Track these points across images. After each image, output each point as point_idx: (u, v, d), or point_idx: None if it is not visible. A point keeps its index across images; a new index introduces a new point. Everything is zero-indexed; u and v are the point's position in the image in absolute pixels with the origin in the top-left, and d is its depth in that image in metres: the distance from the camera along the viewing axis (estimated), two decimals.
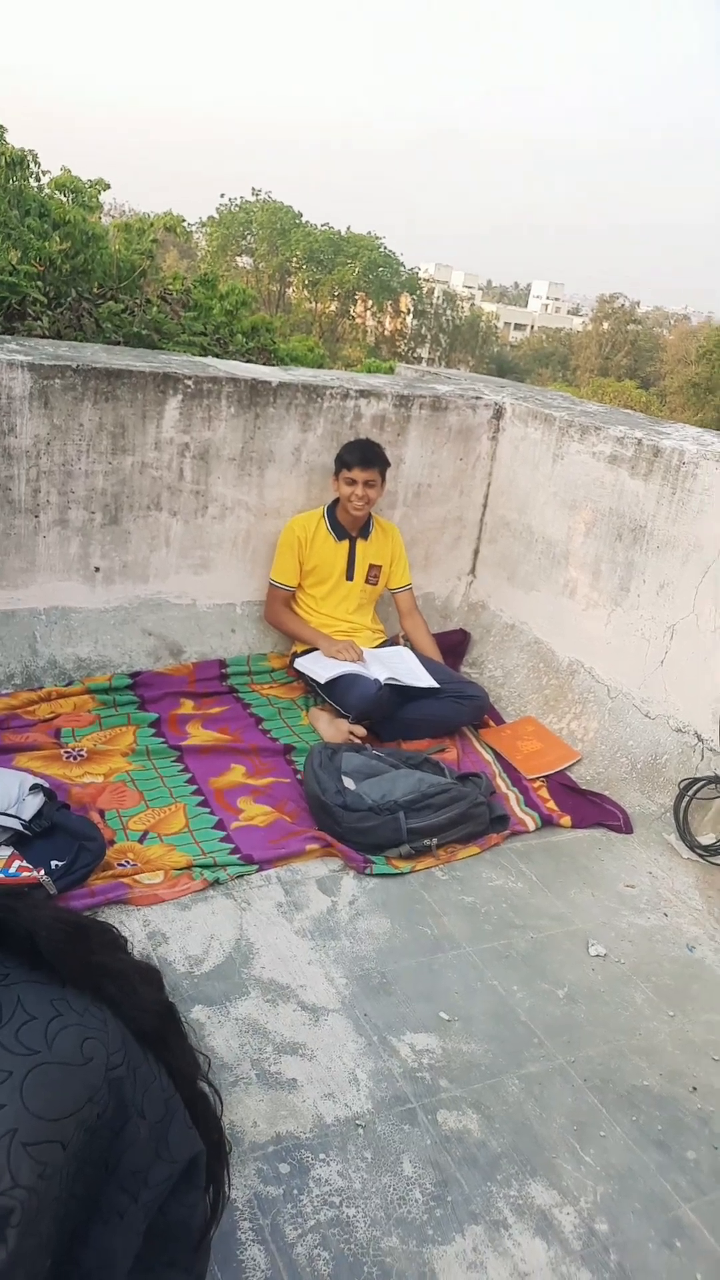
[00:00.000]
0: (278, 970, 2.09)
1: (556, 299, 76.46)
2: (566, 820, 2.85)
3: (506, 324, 61.40)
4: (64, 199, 7.09)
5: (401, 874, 2.49)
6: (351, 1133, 1.72)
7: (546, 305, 74.28)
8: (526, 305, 75.83)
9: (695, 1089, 1.95)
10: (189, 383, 3.10)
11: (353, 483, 3.22)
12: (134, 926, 2.15)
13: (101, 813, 2.54)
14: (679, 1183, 1.73)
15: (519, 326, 63.92)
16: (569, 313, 71.28)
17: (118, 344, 6.02)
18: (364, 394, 3.45)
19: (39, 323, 5.66)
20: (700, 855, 2.73)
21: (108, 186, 7.57)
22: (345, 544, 3.35)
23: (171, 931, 2.16)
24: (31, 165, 7.08)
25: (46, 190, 7.33)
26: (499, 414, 3.75)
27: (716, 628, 2.87)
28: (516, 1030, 2.03)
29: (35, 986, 1.02)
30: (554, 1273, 1.53)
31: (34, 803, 2.31)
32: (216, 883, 2.33)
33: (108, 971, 1.09)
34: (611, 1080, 1.94)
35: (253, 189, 40.46)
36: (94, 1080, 0.97)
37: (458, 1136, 1.75)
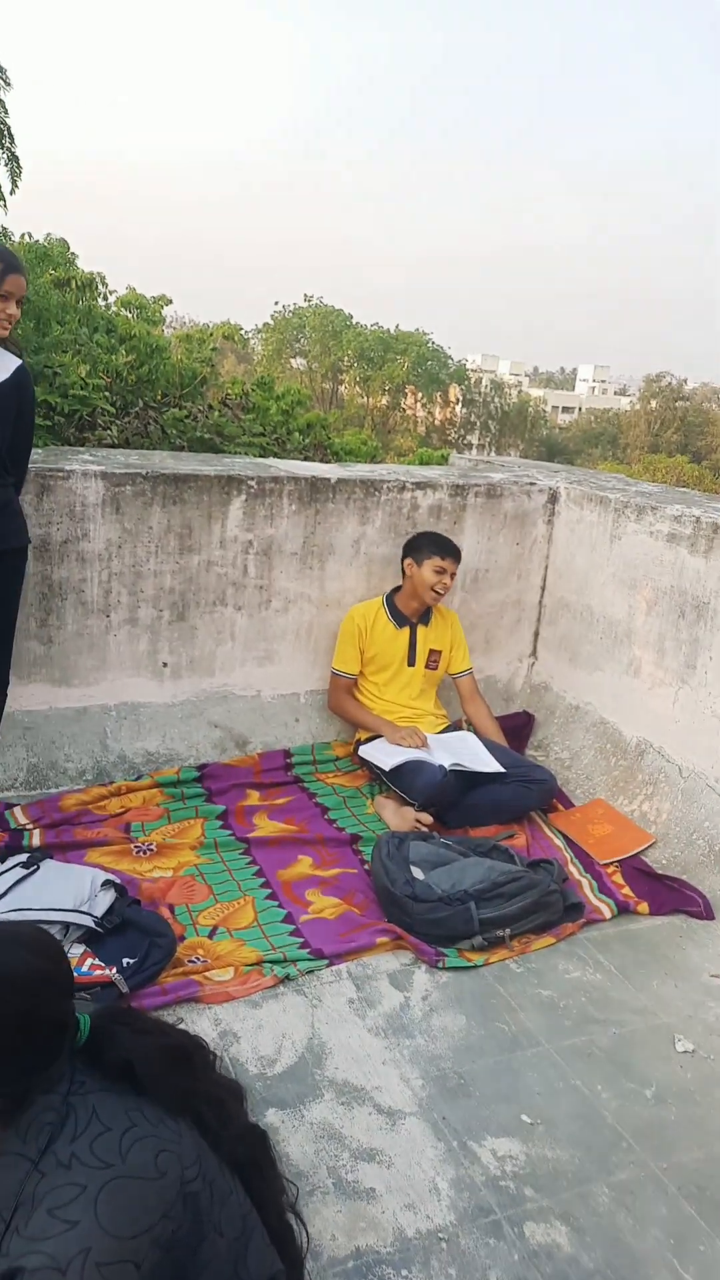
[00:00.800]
0: (351, 1071, 2.04)
1: (603, 381, 77.58)
2: (644, 907, 2.75)
3: (554, 408, 62.38)
4: (129, 315, 7.55)
5: (475, 966, 2.43)
6: (434, 1246, 1.65)
7: (593, 388, 75.38)
8: (574, 389, 77.07)
9: None
10: (252, 483, 3.23)
11: (442, 572, 3.30)
12: (204, 1025, 2.13)
13: (171, 908, 2.54)
14: None
15: (566, 409, 64.85)
16: (616, 393, 72.16)
17: (182, 448, 6.29)
18: (420, 485, 3.53)
19: (109, 432, 5.97)
20: None
21: (169, 301, 8.05)
22: (405, 631, 3.39)
23: (243, 1030, 2.13)
24: (100, 286, 7.59)
25: (113, 308, 7.82)
26: (554, 498, 3.79)
27: None
28: (603, 1134, 1.94)
29: (111, 1096, 1.01)
30: None
31: (105, 899, 2.33)
32: (287, 979, 2.31)
33: (205, 1099, 1.07)
34: (709, 1188, 1.83)
35: (305, 295, 42.41)
36: (169, 1195, 0.95)
37: (546, 1251, 1.66)
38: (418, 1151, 1.85)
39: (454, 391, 43.86)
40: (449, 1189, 1.77)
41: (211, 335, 8.71)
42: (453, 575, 3.34)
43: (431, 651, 3.43)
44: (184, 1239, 0.96)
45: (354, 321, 40.68)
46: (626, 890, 2.83)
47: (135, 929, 2.29)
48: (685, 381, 53.91)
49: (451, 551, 3.33)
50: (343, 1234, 1.65)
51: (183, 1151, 0.99)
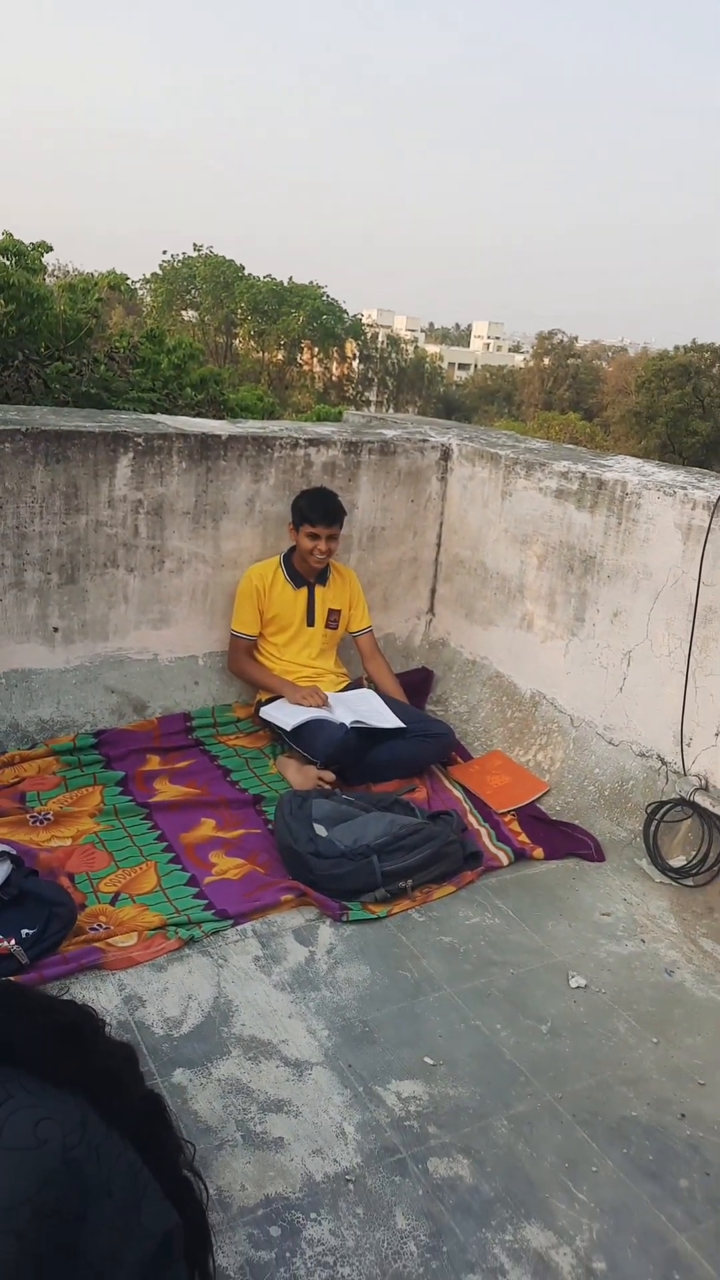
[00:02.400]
0: (258, 1026, 2.07)
1: (497, 338, 78.20)
2: (539, 852, 2.86)
3: (451, 364, 62.61)
4: (7, 262, 7.15)
5: (378, 918, 2.48)
6: (342, 1189, 1.69)
7: (488, 344, 75.92)
8: (469, 345, 77.47)
9: (683, 1115, 1.95)
10: (139, 440, 3.13)
11: (315, 537, 3.25)
12: (109, 991, 2.11)
13: (71, 876, 2.50)
14: (674, 1213, 1.72)
15: (463, 366, 65.19)
16: (510, 350, 72.93)
17: (66, 404, 6.05)
18: (313, 442, 3.50)
19: None
20: (672, 878, 2.76)
21: (50, 248, 7.65)
22: (304, 591, 3.37)
23: (148, 994, 2.12)
24: None
25: None
26: (446, 455, 3.82)
27: (670, 652, 2.93)
28: (502, 1070, 2.02)
29: None
30: None
31: (1, 871, 2.27)
32: (192, 940, 2.30)
33: (94, 1072, 1.06)
34: (600, 1113, 1.94)
35: (194, 244, 41.07)
36: (49, 1164, 0.94)
37: (449, 1184, 1.73)
38: (324, 1099, 1.89)
39: (351, 347, 43.46)
40: (355, 1133, 1.81)
41: (97, 285, 8.34)
42: (330, 538, 3.26)
43: (330, 611, 3.43)
44: (70, 1205, 0.96)
45: (246, 273, 39.69)
46: (523, 837, 2.93)
47: (33, 900, 2.24)
48: (576, 339, 54.90)
49: (323, 516, 3.24)
50: (252, 1184, 1.68)
51: (65, 1119, 0.98)
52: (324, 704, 3.21)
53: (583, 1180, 1.77)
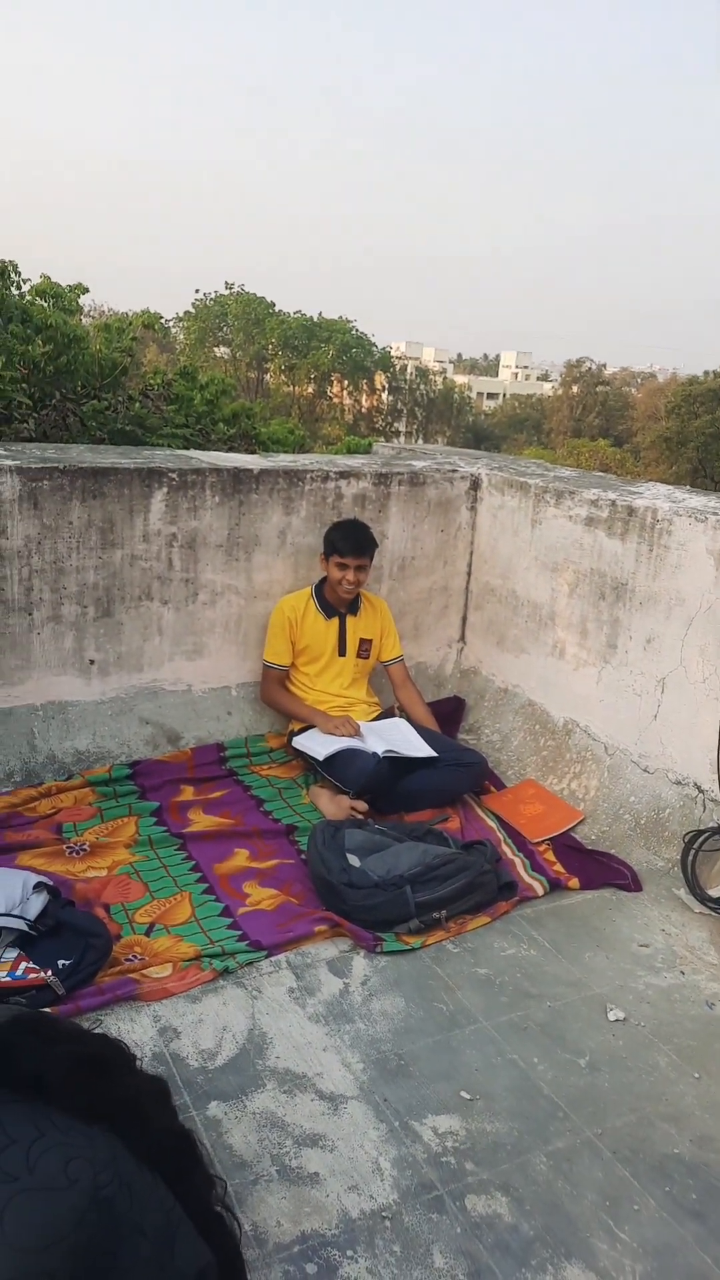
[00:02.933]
0: (293, 1059, 2.06)
1: (526, 367, 78.53)
2: (575, 882, 2.83)
3: (479, 394, 62.94)
4: (45, 304, 7.34)
5: (412, 949, 2.46)
6: (379, 1226, 1.67)
7: (516, 374, 76.26)
8: (497, 375, 77.89)
9: None
10: (173, 475, 3.19)
11: (344, 568, 3.28)
12: (144, 1022, 2.12)
13: (107, 907, 2.52)
14: (719, 1254, 1.68)
15: (491, 395, 65.50)
16: (539, 379, 73.13)
17: (102, 441, 6.16)
18: (343, 475, 3.54)
19: (25, 425, 5.80)
20: (711, 909, 2.71)
21: (86, 290, 7.85)
22: (335, 621, 3.40)
23: (183, 1025, 2.12)
24: (12, 275, 7.35)
25: (28, 297, 7.59)
26: (476, 485, 3.84)
27: (705, 678, 2.90)
28: (540, 1105, 1.99)
29: (17, 1107, 0.98)
30: None
31: (38, 902, 2.30)
32: (226, 972, 2.30)
33: (121, 1104, 1.05)
34: (641, 1150, 1.90)
35: (226, 283, 41.82)
36: (80, 1203, 0.94)
37: (488, 1222, 1.70)
38: (360, 1134, 1.87)
39: (380, 379, 43.89)
40: (391, 1168, 1.80)
41: (131, 324, 8.52)
42: (359, 569, 3.28)
43: (362, 640, 3.45)
44: (102, 1244, 0.95)
45: (277, 309, 40.34)
46: (558, 867, 2.90)
47: (70, 930, 2.26)
48: (605, 366, 54.96)
49: (353, 548, 3.26)
50: (288, 1220, 1.67)
51: (95, 1156, 0.97)
52: (356, 733, 3.22)
53: (624, 1219, 1.74)
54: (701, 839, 2.81)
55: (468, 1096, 1.99)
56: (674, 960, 2.53)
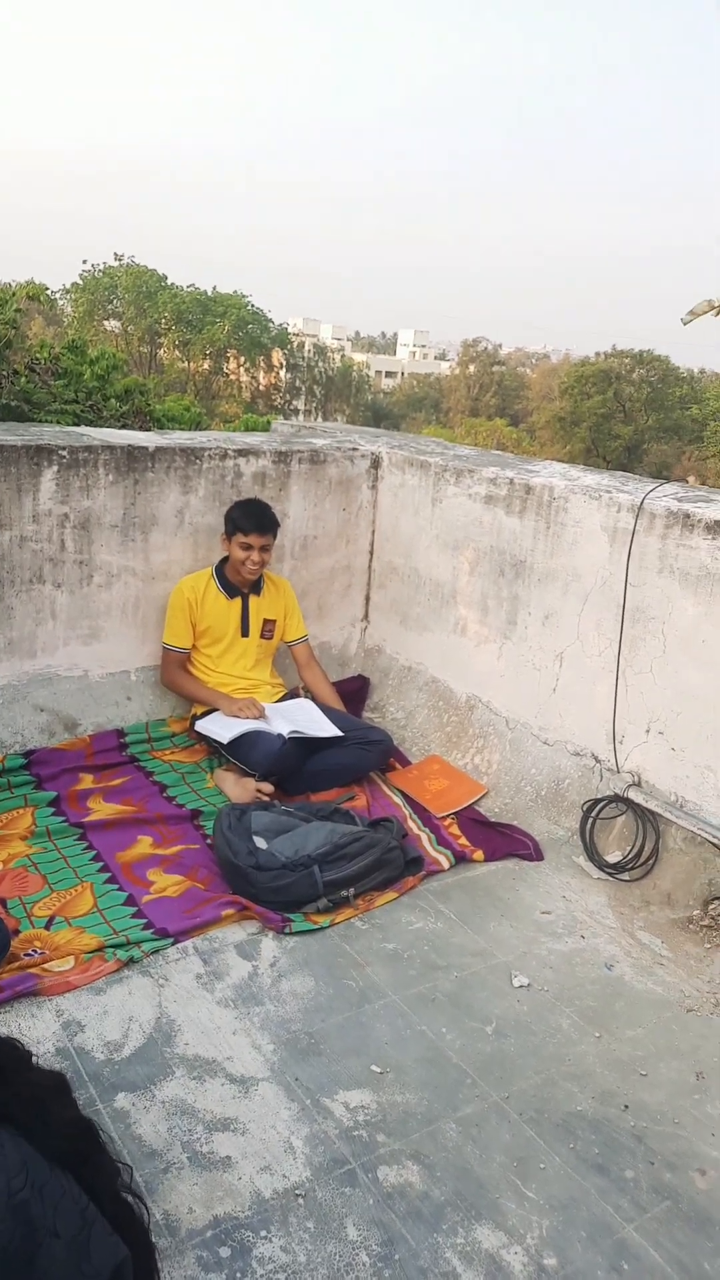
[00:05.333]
0: (202, 1045, 2.04)
1: (423, 346, 79.08)
2: (479, 854, 2.88)
3: (378, 372, 63.08)
4: None
5: (321, 928, 2.47)
6: (292, 1204, 1.68)
7: (414, 352, 76.71)
8: (395, 354, 78.14)
9: (627, 1107, 1.99)
10: (64, 453, 3.07)
11: (248, 548, 3.23)
12: (46, 1018, 2.05)
13: (3, 902, 2.43)
14: (621, 1204, 1.75)
15: (390, 374, 65.74)
16: (436, 358, 73.79)
17: None
18: (242, 453, 3.48)
19: None
20: (609, 874, 2.81)
21: None
22: (237, 601, 3.35)
23: (87, 1018, 2.07)
24: None
25: None
26: (376, 463, 3.84)
27: (600, 652, 2.99)
28: (449, 1073, 2.03)
29: None
30: None
31: None
32: (131, 961, 2.26)
33: (19, 1101, 1.03)
34: (546, 1110, 1.96)
35: (115, 254, 40.55)
36: None
37: (400, 1191, 1.73)
38: (271, 1114, 1.87)
39: (277, 356, 43.44)
40: (303, 1146, 1.80)
41: (14, 295, 8.17)
42: (263, 548, 3.24)
43: (265, 621, 3.41)
44: (17, 1249, 0.93)
45: (169, 282, 39.36)
46: (463, 840, 2.96)
47: None
48: (500, 346, 55.87)
49: (256, 526, 3.22)
50: (200, 1205, 1.65)
51: (6, 1163, 0.95)
52: (261, 715, 3.19)
53: (531, 1178, 1.79)
54: (598, 807, 2.91)
55: (378, 1070, 2.01)
56: (574, 925, 2.61)
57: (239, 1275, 1.53)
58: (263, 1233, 1.61)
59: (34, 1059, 1.12)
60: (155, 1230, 1.57)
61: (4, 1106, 1.02)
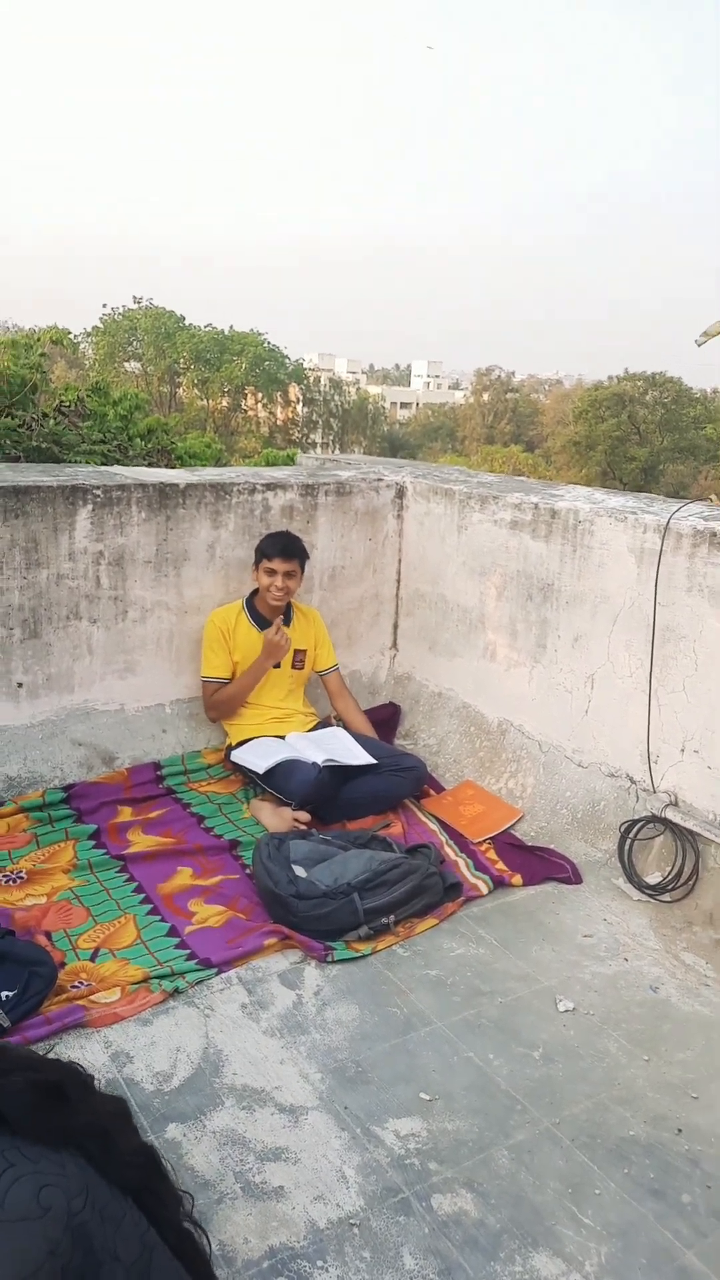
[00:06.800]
0: (250, 1075, 2.04)
1: (437, 376, 79.78)
2: (517, 879, 2.88)
3: (393, 404, 63.61)
4: None
5: (363, 956, 2.47)
6: (347, 1233, 1.67)
7: (428, 383, 77.40)
8: (409, 384, 78.87)
9: (680, 1130, 1.97)
10: (98, 492, 3.14)
11: (272, 573, 3.28)
12: (94, 1049, 2.07)
13: (48, 934, 2.45)
14: (679, 1229, 1.73)
15: (405, 405, 66.29)
16: (450, 388, 74.37)
17: (18, 459, 6.03)
18: (270, 487, 3.54)
19: None
20: (649, 895, 2.79)
21: None
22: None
23: (135, 1049, 2.08)
24: None
25: None
26: (401, 493, 3.89)
27: (632, 673, 3.00)
28: (498, 1100, 2.02)
29: None
30: None
31: None
32: (176, 992, 2.27)
33: (86, 1131, 1.04)
34: (599, 1135, 1.94)
35: (134, 297, 41.32)
36: (54, 1232, 0.93)
37: (455, 1219, 1.72)
38: (322, 1143, 1.87)
39: (294, 391, 43.96)
40: (356, 1175, 1.80)
41: (39, 340, 8.37)
42: (289, 575, 3.28)
43: (296, 652, 3.45)
44: (78, 1271, 0.94)
45: (187, 323, 40.06)
46: (500, 865, 2.95)
47: (11, 961, 2.19)
48: (514, 374, 56.24)
49: (280, 551, 3.27)
50: (255, 1236, 1.65)
51: (68, 1184, 0.96)
52: (284, 641, 3.25)
53: (587, 1204, 1.77)
54: (636, 828, 2.90)
55: (427, 1097, 2.01)
56: (617, 948, 2.60)
57: None
58: (319, 1263, 1.61)
59: (95, 1083, 1.14)
60: (213, 1261, 1.58)
61: (69, 1132, 1.03)
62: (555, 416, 48.20)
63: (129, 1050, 2.08)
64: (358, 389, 51.68)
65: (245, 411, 41.86)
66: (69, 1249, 0.94)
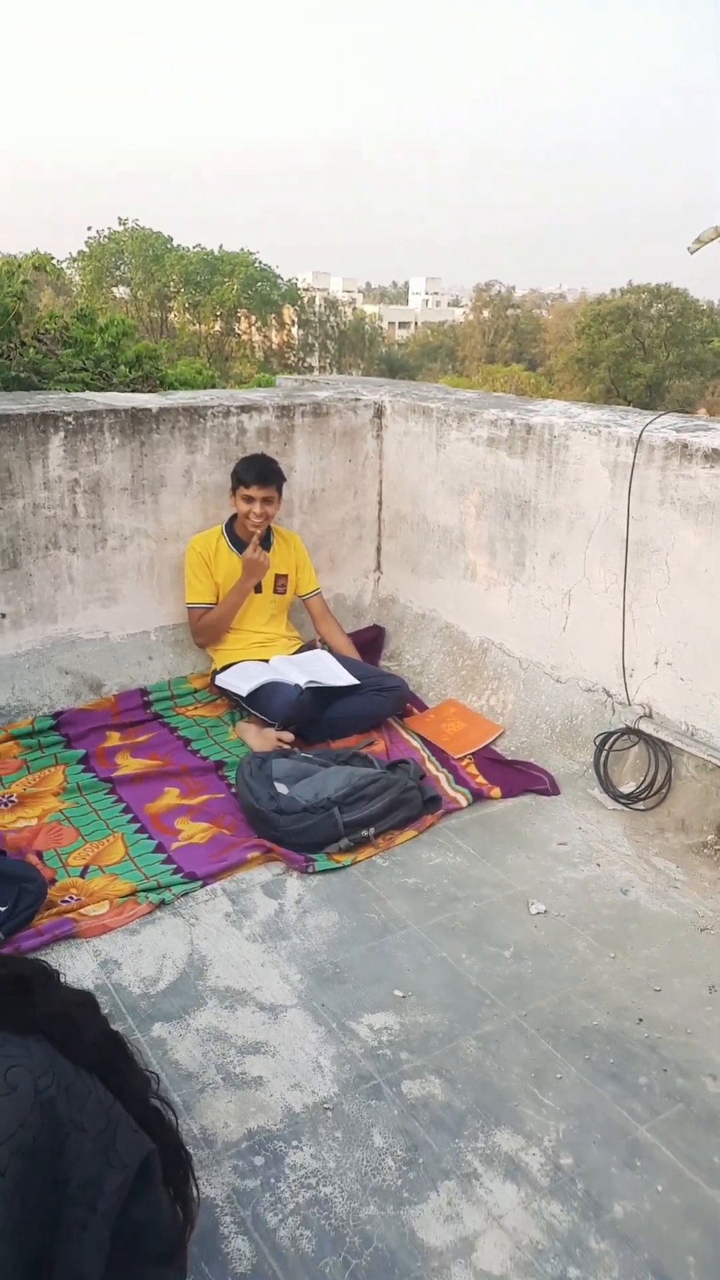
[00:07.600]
0: (232, 977, 2.14)
1: (435, 293, 77.66)
2: (496, 791, 2.95)
3: (391, 323, 62.16)
4: None
5: (343, 867, 2.56)
6: (321, 1116, 1.78)
7: (426, 300, 75.38)
8: (407, 303, 76.85)
9: (641, 1020, 2.07)
10: (69, 419, 3.12)
11: (250, 500, 3.28)
12: (85, 958, 2.17)
13: (40, 854, 2.54)
14: (634, 1108, 1.83)
15: (403, 324, 64.76)
16: (449, 305, 72.50)
17: None
18: (245, 409, 3.51)
19: None
20: (623, 804, 2.87)
21: None
22: None
23: (123, 957, 2.18)
24: None
25: None
26: (379, 412, 3.85)
27: (607, 588, 3.02)
28: (468, 995, 2.12)
29: None
30: (526, 1210, 1.62)
31: None
32: (163, 904, 2.37)
33: (49, 1017, 1.13)
34: (563, 1026, 2.04)
35: (119, 219, 39.95)
36: (22, 1106, 1.02)
37: (423, 1103, 1.83)
38: (300, 1037, 1.97)
39: (288, 313, 42.90)
40: (331, 1065, 1.90)
41: (21, 267, 8.16)
42: (266, 501, 3.28)
43: (277, 576, 3.47)
44: (45, 1143, 1.03)
45: (175, 244, 38.87)
46: (480, 779, 3.02)
47: (3, 878, 2.28)
48: (514, 289, 54.73)
49: (256, 477, 3.26)
50: (234, 1120, 1.76)
51: (33, 1064, 1.05)
52: (262, 558, 3.28)
53: (548, 1087, 1.88)
54: (611, 740, 2.96)
55: (400, 994, 2.11)
56: (591, 854, 2.68)
57: (273, 1180, 1.64)
58: (294, 1142, 1.72)
59: (61, 978, 1.21)
60: (194, 1143, 1.69)
61: (34, 1020, 1.11)
62: (558, 333, 47.10)
63: (117, 958, 2.18)
64: (354, 309, 50.42)
65: (239, 336, 40.93)
66: (38, 1121, 1.03)
